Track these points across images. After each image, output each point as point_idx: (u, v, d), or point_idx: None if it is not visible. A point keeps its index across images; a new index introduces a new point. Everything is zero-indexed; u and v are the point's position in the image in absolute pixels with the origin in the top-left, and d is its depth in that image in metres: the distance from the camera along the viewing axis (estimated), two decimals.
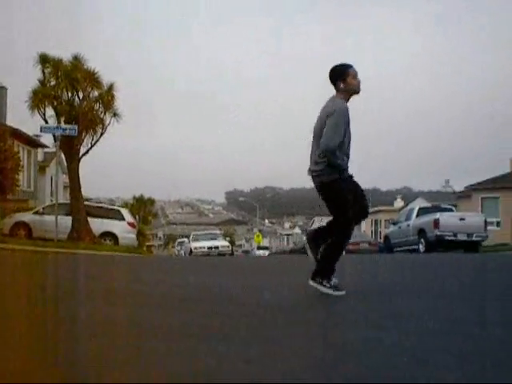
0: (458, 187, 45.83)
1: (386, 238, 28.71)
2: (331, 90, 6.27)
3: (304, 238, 51.86)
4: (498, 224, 38.68)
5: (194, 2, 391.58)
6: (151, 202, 73.54)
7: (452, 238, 23.09)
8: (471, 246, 23.58)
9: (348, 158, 6.29)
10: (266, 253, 60.80)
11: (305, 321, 4.97)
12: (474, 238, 23.62)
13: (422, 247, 23.99)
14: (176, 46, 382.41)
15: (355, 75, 6.17)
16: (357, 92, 6.23)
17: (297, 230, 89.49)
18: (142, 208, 69.69)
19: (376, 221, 58.33)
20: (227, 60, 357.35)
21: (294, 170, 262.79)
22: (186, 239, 53.88)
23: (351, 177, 6.41)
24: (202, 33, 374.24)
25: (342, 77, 6.14)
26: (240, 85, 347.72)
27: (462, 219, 23.82)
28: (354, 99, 6.31)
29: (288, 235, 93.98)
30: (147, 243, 67.55)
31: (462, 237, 23.27)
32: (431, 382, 2.85)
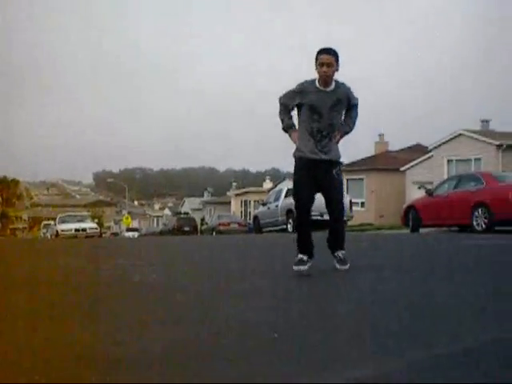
0: None
1: (256, 218, 29.09)
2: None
3: (174, 218, 51.58)
4: (362, 204, 40.18)
5: None
6: (15, 182, 71.09)
7: (319, 217, 23.58)
8: None
9: (316, 140, 6.39)
10: (136, 234, 60.25)
11: (170, 301, 4.93)
12: None
13: (290, 227, 24.47)
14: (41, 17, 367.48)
15: (320, 62, 6.22)
16: (321, 78, 6.30)
17: (167, 212, 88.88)
18: (6, 189, 67.19)
19: (245, 201, 59.10)
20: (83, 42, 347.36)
21: (164, 151, 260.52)
22: (52, 221, 52.48)
23: (327, 162, 6.47)
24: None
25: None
26: (108, 61, 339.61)
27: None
28: None
29: (158, 216, 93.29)
30: (11, 226, 65.27)
31: (328, 217, 23.87)
32: None
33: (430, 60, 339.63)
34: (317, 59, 6.26)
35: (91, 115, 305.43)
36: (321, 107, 6.32)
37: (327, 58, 6.22)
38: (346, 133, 6.65)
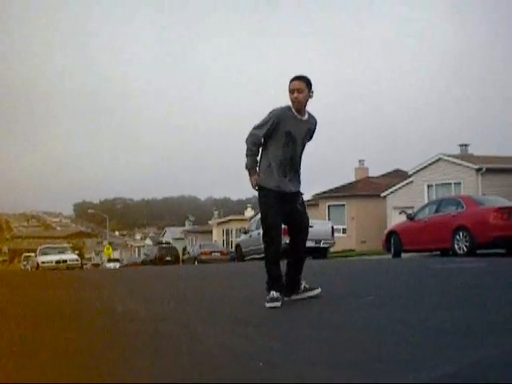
0: (306, 196, 47.19)
1: (238, 246, 28.99)
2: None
3: (155, 248, 51.34)
4: (344, 231, 40.23)
5: None
6: None
7: (313, 244, 23.47)
8: (320, 253, 24.23)
9: (285, 171, 6.32)
10: (117, 265, 59.83)
11: (154, 332, 4.88)
12: (321, 245, 24.29)
13: None
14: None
15: (291, 89, 6.18)
16: (293, 105, 6.24)
17: (148, 242, 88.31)
18: None
19: (227, 230, 58.98)
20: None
21: (144, 181, 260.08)
22: (32, 253, 52.03)
23: (293, 194, 6.50)
24: None
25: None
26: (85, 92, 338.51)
27: (309, 226, 24.39)
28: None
29: (139, 247, 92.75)
30: None
31: (310, 243, 23.60)
32: None
33: (408, 86, 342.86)
34: (289, 87, 6.23)
35: (70, 146, 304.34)
36: (296, 135, 6.27)
37: (298, 84, 6.19)
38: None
